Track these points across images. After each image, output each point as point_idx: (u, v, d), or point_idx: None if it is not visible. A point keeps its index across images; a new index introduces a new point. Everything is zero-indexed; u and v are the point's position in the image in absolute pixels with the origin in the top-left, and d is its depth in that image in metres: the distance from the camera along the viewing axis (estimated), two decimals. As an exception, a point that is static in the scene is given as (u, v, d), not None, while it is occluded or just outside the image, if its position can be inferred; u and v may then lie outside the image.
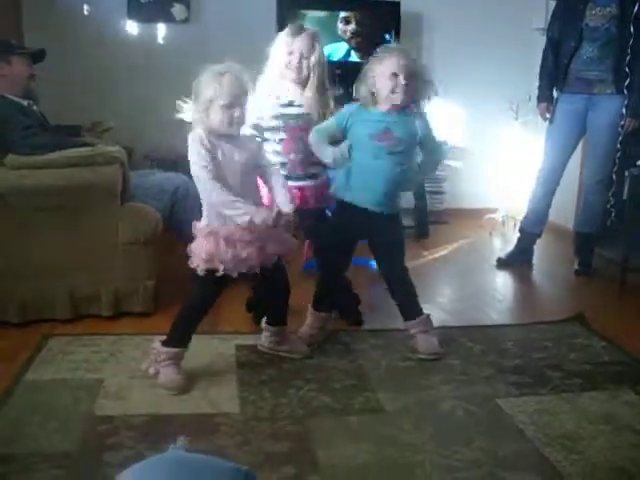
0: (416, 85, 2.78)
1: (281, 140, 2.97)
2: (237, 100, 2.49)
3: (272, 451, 2.17)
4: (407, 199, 5.04)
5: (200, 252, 2.53)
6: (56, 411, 2.39)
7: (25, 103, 3.41)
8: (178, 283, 2.91)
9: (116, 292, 3.23)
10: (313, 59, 2.93)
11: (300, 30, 2.95)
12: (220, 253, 2.51)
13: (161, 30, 5.24)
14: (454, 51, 5.54)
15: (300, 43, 2.92)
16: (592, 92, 4.02)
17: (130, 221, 3.20)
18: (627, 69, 3.88)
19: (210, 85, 2.46)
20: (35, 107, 3.51)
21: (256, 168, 2.64)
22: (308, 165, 3.00)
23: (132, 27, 5.18)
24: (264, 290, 2.89)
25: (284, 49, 2.93)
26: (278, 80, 2.97)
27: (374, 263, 4.04)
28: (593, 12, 3.95)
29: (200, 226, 2.57)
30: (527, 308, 3.15)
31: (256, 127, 2.93)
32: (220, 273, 2.52)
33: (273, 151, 2.97)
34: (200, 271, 2.54)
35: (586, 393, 2.62)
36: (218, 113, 2.47)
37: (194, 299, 2.68)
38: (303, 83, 2.96)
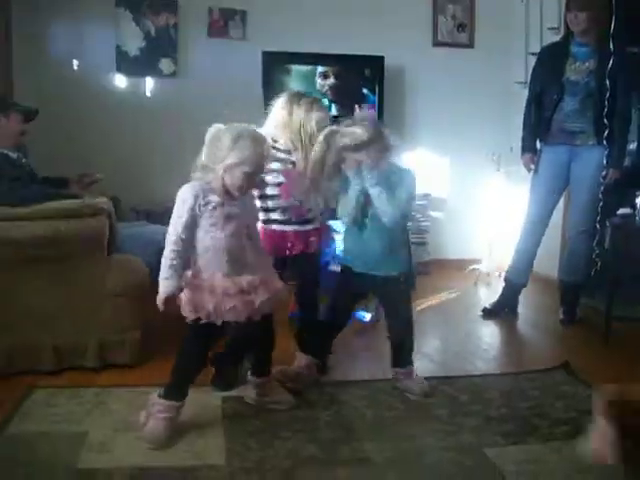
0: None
1: (280, 184, 3.02)
2: (259, 168, 2.55)
3: (259, 503, 2.15)
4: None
5: (186, 301, 2.55)
6: (39, 465, 2.36)
7: (15, 155, 3.44)
8: (164, 335, 2.91)
9: (101, 343, 3.21)
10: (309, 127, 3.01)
11: (313, 103, 3.06)
12: (203, 302, 2.52)
13: (149, 84, 5.32)
14: (436, 103, 5.66)
15: (319, 114, 3.04)
16: (575, 143, 4.11)
17: (117, 272, 3.21)
18: (605, 121, 3.97)
19: (234, 149, 2.48)
20: (24, 160, 3.55)
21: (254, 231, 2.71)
22: (306, 209, 3.07)
23: (121, 81, 5.26)
24: (249, 341, 2.88)
25: (284, 112, 3.03)
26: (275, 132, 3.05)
27: (361, 314, 4.08)
28: (572, 67, 4.06)
29: (186, 275, 2.58)
30: (513, 357, 3.16)
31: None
32: (203, 321, 2.53)
33: (271, 195, 3.03)
34: (188, 320, 2.55)
35: (573, 441, 2.60)
36: (237, 178, 2.50)
37: (186, 349, 2.67)
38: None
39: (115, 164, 4.96)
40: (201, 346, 2.67)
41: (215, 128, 2.53)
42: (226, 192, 2.53)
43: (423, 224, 5.60)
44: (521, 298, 4.49)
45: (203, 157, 2.54)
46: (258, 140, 2.53)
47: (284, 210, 3.04)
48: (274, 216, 3.06)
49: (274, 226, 3.07)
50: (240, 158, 2.47)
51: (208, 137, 2.53)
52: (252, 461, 2.42)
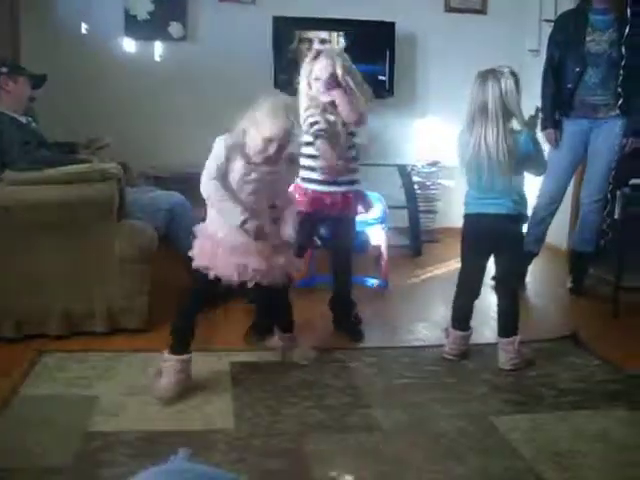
0: None
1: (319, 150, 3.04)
2: (286, 142, 2.60)
3: (268, 468, 2.17)
4: (401, 218, 5.08)
5: (198, 252, 2.63)
6: (50, 427, 2.39)
7: (24, 120, 3.44)
8: (173, 300, 2.92)
9: (111, 308, 3.23)
10: (338, 70, 3.01)
11: (317, 55, 3.04)
12: (216, 257, 2.59)
13: (158, 48, 5.27)
14: (447, 71, 5.58)
15: (323, 66, 3.01)
16: (597, 116, 4.07)
17: (126, 238, 3.21)
18: (620, 89, 3.93)
19: (266, 121, 2.53)
20: (34, 124, 3.54)
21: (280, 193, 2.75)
22: (345, 172, 3.10)
23: (129, 45, 5.21)
24: (264, 301, 2.98)
25: (312, 77, 3.03)
26: (314, 100, 3.06)
27: (370, 281, 4.09)
28: (592, 37, 3.99)
29: (201, 227, 2.67)
30: (521, 327, 3.16)
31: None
32: (211, 276, 2.60)
33: (309, 155, 3.07)
34: (195, 268, 2.63)
35: (579, 411, 2.63)
36: (264, 148, 2.56)
37: (189, 295, 2.76)
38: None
39: (124, 129, 4.93)
40: (199, 297, 2.76)
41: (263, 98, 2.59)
42: (255, 158, 2.59)
43: (433, 192, 5.58)
44: (529, 268, 4.48)
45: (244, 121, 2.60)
46: (289, 114, 2.58)
47: (324, 170, 3.06)
48: (314, 176, 3.09)
49: (313, 185, 3.10)
50: (273, 132, 2.52)
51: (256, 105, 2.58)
52: (260, 426, 2.44)
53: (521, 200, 2.98)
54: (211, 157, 2.59)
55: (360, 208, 3.26)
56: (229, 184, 2.58)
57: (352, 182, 3.17)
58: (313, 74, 3.03)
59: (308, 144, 3.05)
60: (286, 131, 2.57)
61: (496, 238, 2.99)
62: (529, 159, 2.91)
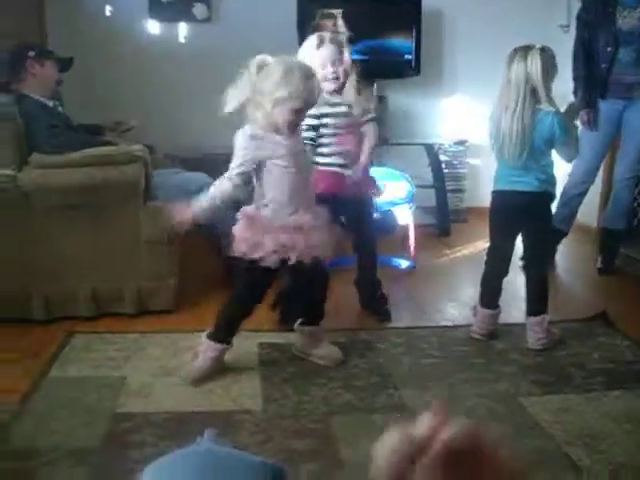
0: None
1: (334, 135, 3.04)
2: (310, 104, 2.50)
3: (295, 448, 2.18)
4: (429, 197, 5.05)
5: (243, 235, 2.52)
6: (79, 408, 2.41)
7: (50, 104, 3.45)
8: (200, 281, 2.93)
9: (139, 290, 3.24)
10: (345, 64, 2.98)
11: (322, 41, 2.96)
12: (262, 240, 2.48)
13: (182, 29, 5.26)
14: (475, 48, 5.50)
15: (327, 53, 2.95)
16: (631, 95, 3.99)
17: (152, 219, 3.22)
18: None
19: (284, 83, 2.39)
20: (60, 108, 3.56)
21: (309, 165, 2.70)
22: (357, 156, 3.10)
23: (154, 27, 5.20)
24: (301, 285, 2.84)
25: (315, 63, 2.92)
26: None
27: (397, 261, 4.07)
28: (623, 14, 3.91)
29: (248, 211, 2.57)
30: (550, 306, 3.14)
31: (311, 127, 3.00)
32: (258, 258, 2.49)
33: (327, 143, 3.05)
34: (243, 256, 2.52)
35: (609, 392, 2.60)
36: (287, 113, 2.43)
37: (240, 291, 2.67)
38: (340, 89, 3.03)
39: (150, 111, 4.94)
40: (256, 289, 2.65)
41: (260, 59, 2.45)
42: (276, 129, 2.48)
43: (460, 171, 5.52)
44: (559, 247, 4.43)
45: (247, 89, 2.44)
46: (308, 74, 2.46)
47: (343, 155, 3.07)
48: (333, 160, 3.07)
49: (334, 168, 3.08)
50: (290, 92, 2.39)
51: (253, 69, 2.44)
52: (288, 407, 2.44)
53: (548, 178, 2.93)
54: (237, 154, 2.49)
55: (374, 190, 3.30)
56: (266, 175, 2.51)
57: (369, 164, 3.20)
58: (318, 60, 2.94)
59: (316, 131, 3.03)
60: (314, 93, 2.48)
61: (522, 216, 2.97)
62: (556, 142, 2.87)
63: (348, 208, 3.15)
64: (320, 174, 3.00)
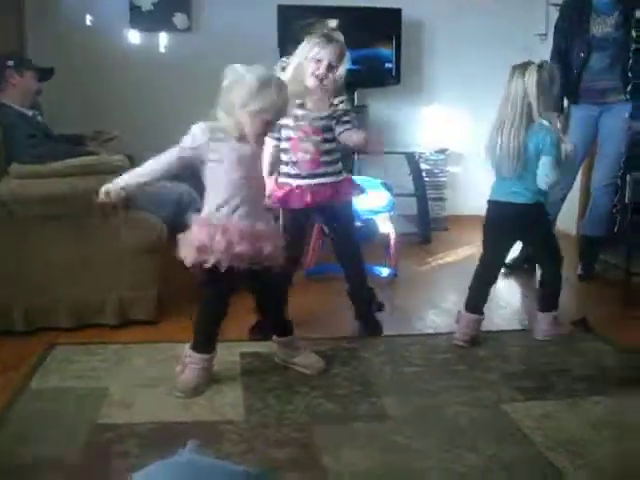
0: None
1: (288, 139, 3.00)
2: (280, 116, 2.53)
3: (277, 457, 2.17)
4: (410, 205, 5.07)
5: (192, 241, 2.50)
6: (61, 419, 2.39)
7: (30, 113, 3.44)
8: (182, 291, 2.92)
9: (120, 300, 3.23)
10: (341, 70, 2.95)
11: (330, 39, 2.94)
12: (213, 243, 2.47)
13: (163, 39, 5.26)
14: (455, 57, 5.56)
15: (330, 52, 2.92)
16: (605, 101, 4.04)
17: (134, 229, 3.20)
18: (629, 74, 3.90)
19: (258, 96, 2.42)
20: (40, 118, 3.54)
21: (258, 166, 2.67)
22: (319, 165, 3.02)
23: (134, 36, 5.20)
24: (259, 296, 2.84)
25: (311, 55, 2.92)
26: (295, 83, 2.91)
27: (379, 269, 4.08)
28: (597, 21, 3.96)
29: (199, 216, 2.57)
30: (531, 313, 3.16)
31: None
32: (209, 264, 2.48)
33: (282, 149, 3.02)
34: (188, 263, 2.51)
35: (591, 398, 2.62)
36: (258, 125, 2.47)
37: (206, 300, 2.67)
38: (321, 90, 2.97)
39: (130, 120, 4.93)
40: (217, 296, 2.65)
41: (234, 70, 2.46)
42: (241, 137, 2.50)
43: (441, 179, 5.56)
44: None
45: (219, 97, 2.48)
46: (282, 87, 2.49)
47: (297, 165, 3.02)
48: (292, 170, 3.03)
49: (295, 180, 3.03)
50: (264, 105, 2.42)
51: (228, 79, 2.46)
52: (270, 417, 2.43)
53: (540, 191, 2.98)
54: (185, 140, 2.52)
55: (353, 191, 3.18)
56: (215, 175, 2.53)
57: (334, 173, 3.08)
58: (315, 54, 2.91)
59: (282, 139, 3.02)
60: (286, 106, 2.51)
61: (516, 227, 3.07)
62: (542, 153, 2.92)
63: (325, 216, 3.13)
64: (279, 187, 3.01)
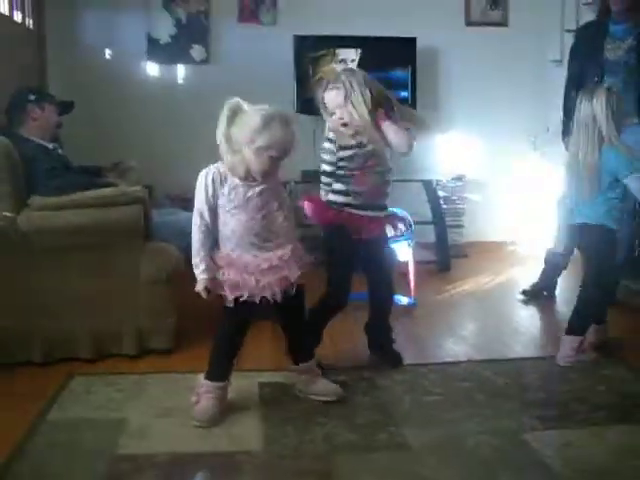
0: None
1: (352, 176, 2.95)
2: (287, 153, 2.50)
3: (296, 489, 2.16)
4: (428, 233, 5.06)
5: (225, 280, 2.55)
6: (79, 450, 2.39)
7: (50, 146, 3.49)
8: (199, 320, 2.92)
9: (139, 330, 3.23)
10: (352, 103, 2.87)
11: (326, 85, 2.93)
12: (244, 280, 2.53)
13: (180, 71, 5.33)
14: (471, 84, 5.58)
15: (330, 98, 2.91)
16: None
17: (152, 259, 3.22)
18: None
19: (263, 132, 2.42)
20: (60, 150, 3.59)
21: (280, 208, 2.64)
22: (378, 197, 3.03)
23: (152, 68, 5.28)
24: (282, 322, 2.85)
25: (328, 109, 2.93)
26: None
27: (398, 298, 4.05)
28: (611, 46, 3.96)
29: (219, 255, 2.59)
30: (551, 340, 3.12)
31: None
32: (244, 298, 2.53)
33: (342, 189, 2.98)
34: (229, 301, 2.56)
35: (614, 426, 2.58)
36: (264, 162, 2.46)
37: (223, 330, 2.69)
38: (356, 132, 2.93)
39: (148, 152, 4.98)
40: (238, 326, 2.67)
41: (237, 105, 2.46)
42: (248, 175, 2.51)
43: (459, 206, 5.55)
44: (559, 280, 4.42)
45: (222, 136, 2.48)
46: (288, 123, 2.48)
47: (358, 194, 2.98)
48: (348, 200, 2.98)
49: (348, 209, 2.99)
50: (270, 141, 2.42)
51: (229, 114, 2.46)
52: (289, 447, 2.42)
53: (606, 212, 3.07)
54: (199, 195, 2.58)
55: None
56: (221, 218, 2.57)
57: (385, 207, 3.09)
58: (326, 104, 2.94)
59: (338, 166, 2.98)
60: (293, 142, 2.50)
61: (583, 246, 3.35)
62: (620, 176, 3.03)
63: (363, 248, 3.07)
64: (328, 209, 2.99)
